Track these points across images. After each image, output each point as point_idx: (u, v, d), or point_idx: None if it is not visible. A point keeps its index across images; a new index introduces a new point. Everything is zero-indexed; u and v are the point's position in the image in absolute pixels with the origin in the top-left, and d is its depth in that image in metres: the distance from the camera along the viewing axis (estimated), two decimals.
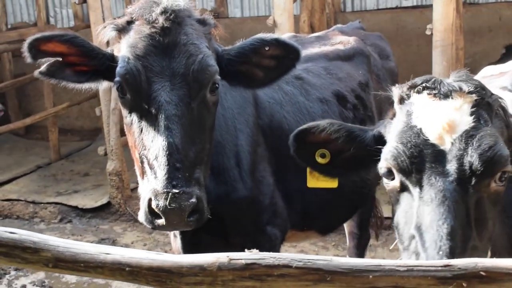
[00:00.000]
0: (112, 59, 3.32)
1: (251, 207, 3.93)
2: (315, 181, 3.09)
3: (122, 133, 8.47)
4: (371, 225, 6.11)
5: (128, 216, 8.51)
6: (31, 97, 13.64)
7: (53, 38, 3.29)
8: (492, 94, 2.62)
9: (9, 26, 13.11)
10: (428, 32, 7.09)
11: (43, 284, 6.95)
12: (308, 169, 3.08)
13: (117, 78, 3.17)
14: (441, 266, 1.82)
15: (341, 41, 5.27)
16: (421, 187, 2.44)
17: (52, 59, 3.33)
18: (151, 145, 3.06)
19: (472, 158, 2.37)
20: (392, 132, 2.64)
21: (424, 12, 10.15)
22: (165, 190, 2.87)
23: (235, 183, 3.80)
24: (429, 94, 2.57)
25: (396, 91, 2.72)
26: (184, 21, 3.27)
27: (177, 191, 2.87)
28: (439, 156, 2.43)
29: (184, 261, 2.01)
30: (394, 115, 2.72)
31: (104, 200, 8.80)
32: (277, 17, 7.57)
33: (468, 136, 2.42)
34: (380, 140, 2.77)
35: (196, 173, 3.06)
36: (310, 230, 4.68)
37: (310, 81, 4.57)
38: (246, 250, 2.00)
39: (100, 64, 3.36)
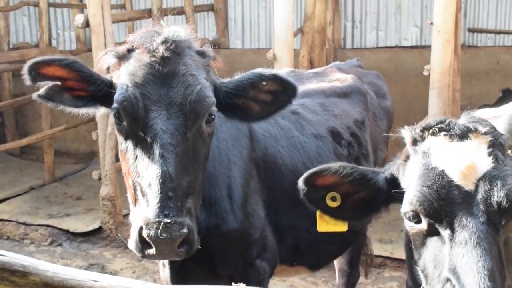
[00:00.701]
0: (110, 86, 3.36)
1: (241, 239, 3.93)
2: (325, 225, 3.03)
3: (117, 158, 8.43)
4: (361, 262, 6.10)
5: (118, 242, 8.47)
6: (28, 118, 13.68)
7: (53, 62, 3.33)
8: (502, 134, 2.64)
9: (11, 46, 13.18)
10: (425, 73, 7.15)
11: None
12: (318, 213, 3.01)
13: (114, 105, 3.19)
14: None
15: (338, 78, 5.32)
16: (452, 229, 2.42)
17: (51, 83, 3.37)
18: (144, 173, 3.07)
19: (500, 198, 2.39)
20: (410, 174, 2.64)
21: (422, 52, 10.25)
22: (157, 219, 2.87)
23: (226, 215, 3.81)
24: (445, 135, 2.58)
25: (407, 133, 2.73)
26: (184, 51, 3.31)
27: (168, 220, 2.87)
28: (466, 197, 2.43)
29: None
30: (407, 157, 2.72)
31: (95, 225, 8.76)
32: (277, 51, 7.63)
33: (491, 177, 2.44)
34: (393, 183, 2.78)
35: (188, 203, 3.07)
36: (300, 265, 4.67)
37: (305, 117, 4.60)
38: (233, 283, 2.01)
39: (98, 90, 3.39)
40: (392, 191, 2.79)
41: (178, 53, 3.27)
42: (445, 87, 6.98)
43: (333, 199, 2.86)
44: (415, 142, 2.68)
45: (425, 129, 2.67)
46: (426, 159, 2.57)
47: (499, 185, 2.42)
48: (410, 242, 2.76)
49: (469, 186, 2.44)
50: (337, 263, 5.87)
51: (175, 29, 3.40)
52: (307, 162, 4.37)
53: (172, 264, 3.80)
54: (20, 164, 12.43)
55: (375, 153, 5.27)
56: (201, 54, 3.44)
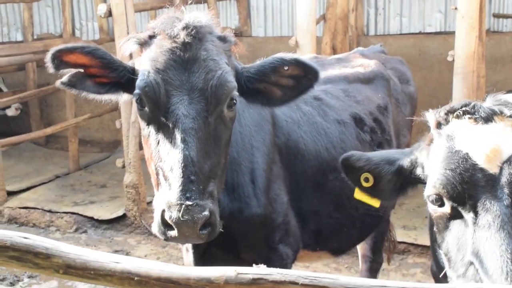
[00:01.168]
0: (132, 72, 3.37)
1: (264, 224, 3.94)
2: (361, 195, 3.13)
3: (140, 146, 8.51)
4: (384, 248, 6.09)
5: (142, 229, 8.55)
6: (53, 107, 13.81)
7: (75, 49, 3.35)
8: None
9: (35, 37, 13.28)
10: (449, 59, 7.08)
11: None
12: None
13: (136, 91, 3.21)
14: None
15: (361, 64, 5.30)
16: (475, 213, 2.41)
17: (74, 70, 3.40)
18: (167, 157, 3.09)
19: None
20: (434, 157, 2.63)
21: (447, 38, 10.15)
22: (179, 202, 2.89)
23: (249, 200, 3.82)
24: (470, 118, 2.56)
25: (432, 116, 2.72)
26: (205, 37, 3.31)
27: (190, 203, 2.89)
28: (490, 181, 2.42)
29: (191, 273, 2.03)
30: (431, 140, 2.71)
31: (120, 212, 8.85)
32: (300, 38, 7.61)
33: None
34: (415, 166, 2.81)
35: (210, 187, 3.08)
36: (323, 250, 4.67)
37: (328, 103, 4.59)
38: (254, 265, 2.02)
39: (120, 77, 3.41)
40: (416, 174, 2.82)
41: (199, 38, 3.27)
42: (470, 73, 6.91)
43: (366, 180, 2.98)
44: (439, 125, 2.67)
45: (450, 112, 2.65)
46: (450, 142, 2.56)
47: None
48: (433, 226, 2.75)
49: (493, 169, 2.42)
50: (360, 249, 5.86)
51: (196, 14, 3.40)
52: (329, 147, 4.37)
53: (195, 249, 3.83)
54: (45, 153, 12.57)
55: (398, 139, 5.24)
56: (222, 39, 3.44)
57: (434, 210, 2.59)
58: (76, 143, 11.10)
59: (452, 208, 2.50)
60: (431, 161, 2.67)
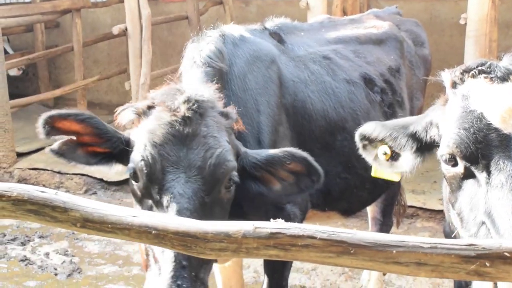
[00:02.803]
0: (127, 144, 3.23)
1: None
2: (380, 170, 3.16)
3: None
4: (394, 212, 6.11)
5: None
6: (61, 69, 13.79)
7: (68, 116, 3.22)
8: None
9: None
10: (462, 22, 7.03)
11: (66, 253, 7.07)
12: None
13: (131, 164, 3.08)
14: (466, 245, 1.82)
15: (374, 25, 5.25)
16: (488, 172, 2.39)
17: (66, 137, 3.27)
18: None
19: None
20: (450, 117, 2.60)
21: (458, 2, 10.03)
22: None
23: None
24: (485, 77, 2.53)
25: (447, 76, 2.68)
26: (206, 112, 3.17)
27: None
28: (504, 140, 2.40)
29: (209, 227, 2.03)
30: (446, 100, 2.68)
31: None
32: (310, 0, 7.54)
33: None
34: (430, 127, 2.78)
35: (201, 273, 2.93)
36: (332, 211, 4.68)
37: (337, 62, 4.55)
38: (271, 219, 2.02)
39: (113, 147, 3.27)
40: (431, 136, 2.79)
41: (200, 113, 3.13)
42: (482, 36, 6.86)
43: (384, 153, 2.94)
44: (454, 84, 2.64)
45: (465, 71, 2.62)
46: (465, 101, 2.53)
47: None
48: (447, 186, 2.74)
49: (508, 129, 2.40)
50: (370, 211, 5.88)
51: (198, 87, 3.31)
52: (338, 107, 4.34)
53: None
54: None
55: (411, 101, 5.22)
56: (225, 115, 3.31)
57: (448, 170, 2.57)
58: (84, 105, 11.10)
59: (465, 168, 2.49)
60: (446, 121, 2.64)
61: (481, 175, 2.43)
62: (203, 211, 2.97)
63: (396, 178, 3.09)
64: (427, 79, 5.73)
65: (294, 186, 3.39)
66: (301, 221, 4.23)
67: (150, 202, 3.04)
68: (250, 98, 3.82)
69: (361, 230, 4.53)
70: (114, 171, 3.43)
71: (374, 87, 4.68)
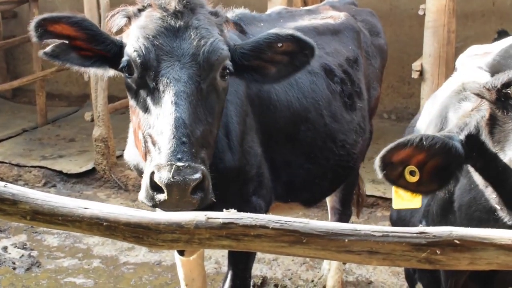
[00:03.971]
0: (120, 46, 3.27)
1: (238, 177, 3.93)
2: (401, 201, 2.88)
3: (109, 99, 8.44)
4: (353, 202, 6.15)
5: (112, 183, 8.50)
6: (19, 60, 13.53)
7: (61, 19, 3.22)
8: None
9: None
10: (420, 12, 7.07)
11: (25, 246, 6.95)
12: (394, 190, 2.85)
13: (125, 57, 3.14)
14: (416, 233, 1.83)
15: (331, 15, 5.25)
16: None
17: (58, 41, 3.26)
18: (156, 122, 2.99)
19: None
20: (505, 134, 2.48)
21: None
22: (170, 162, 2.75)
23: (223, 154, 3.79)
24: None
25: (485, 91, 2.54)
26: (196, 8, 3.25)
27: (182, 164, 2.74)
28: None
29: (161, 218, 2.02)
30: (491, 115, 2.55)
31: (89, 166, 8.78)
32: None
33: None
34: (472, 145, 2.60)
35: (202, 153, 2.98)
36: (294, 202, 4.70)
37: None
38: (224, 210, 2.01)
39: (107, 50, 3.29)
40: (471, 153, 2.61)
41: (191, 8, 3.21)
42: (440, 26, 6.91)
43: (412, 173, 2.61)
44: (498, 99, 2.49)
45: (505, 86, 2.48)
46: None
47: None
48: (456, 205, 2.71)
49: None
50: (329, 201, 5.91)
51: None
52: (301, 97, 4.35)
53: None
54: (12, 107, 12.35)
55: (369, 91, 5.25)
56: (214, 14, 3.39)
57: None
58: (43, 96, 10.92)
59: None
60: (503, 140, 2.51)
61: None
62: (199, 96, 3.05)
63: (417, 205, 2.91)
64: (383, 69, 5.78)
65: (289, 65, 3.48)
66: (265, 213, 4.24)
67: (146, 92, 3.11)
68: None
69: (321, 220, 4.54)
70: (109, 75, 3.45)
71: (334, 78, 4.69)
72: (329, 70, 4.65)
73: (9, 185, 2.18)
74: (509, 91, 2.48)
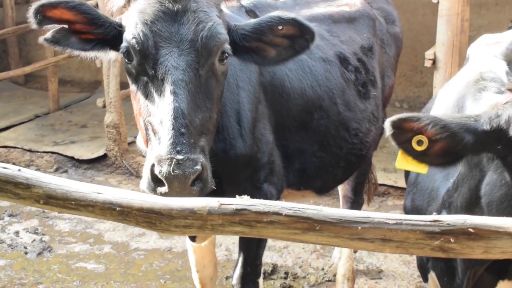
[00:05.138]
0: (119, 28, 3.27)
1: (249, 164, 3.93)
2: (405, 163, 2.83)
3: (121, 86, 8.43)
4: (365, 190, 6.14)
5: (123, 169, 8.52)
6: (32, 46, 13.56)
7: (59, 4, 3.21)
8: None
9: None
10: (434, 1, 7.01)
11: (36, 231, 6.99)
12: (400, 151, 2.81)
13: (124, 44, 3.13)
14: (430, 221, 1.82)
15: (347, 3, 5.22)
16: None
17: (58, 26, 3.26)
18: (156, 111, 3.01)
19: None
20: None
21: None
22: (169, 156, 2.79)
23: (234, 141, 3.79)
24: None
25: None
26: None
27: (181, 157, 2.78)
28: None
29: (174, 203, 2.01)
30: None
31: (100, 152, 8.81)
32: None
33: None
34: (498, 136, 2.56)
35: (201, 141, 3.00)
36: (307, 189, 4.69)
37: None
38: (237, 196, 2.01)
39: (106, 33, 3.30)
40: (495, 144, 2.58)
41: None
42: (454, 15, 6.86)
43: (420, 143, 2.67)
44: None
45: None
46: None
47: None
48: (478, 195, 2.67)
49: None
50: (341, 190, 5.90)
51: None
52: (315, 85, 4.34)
53: None
54: (25, 92, 12.40)
55: (383, 80, 5.22)
56: None
57: None
58: (56, 82, 10.94)
59: None
60: None
61: None
62: (198, 82, 3.06)
63: (423, 171, 2.92)
64: (398, 57, 5.74)
65: (289, 49, 3.47)
66: (277, 200, 4.23)
67: (145, 78, 3.11)
68: (231, 73, 3.81)
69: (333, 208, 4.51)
70: (111, 57, 3.48)
71: (348, 66, 4.67)
72: (343, 59, 4.63)
73: (23, 169, 2.19)
74: None
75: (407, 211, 3.76)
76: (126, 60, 3.17)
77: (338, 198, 6.24)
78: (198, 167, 2.82)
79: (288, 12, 3.45)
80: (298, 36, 3.42)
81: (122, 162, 8.54)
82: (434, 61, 6.95)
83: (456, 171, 3.00)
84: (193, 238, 4.37)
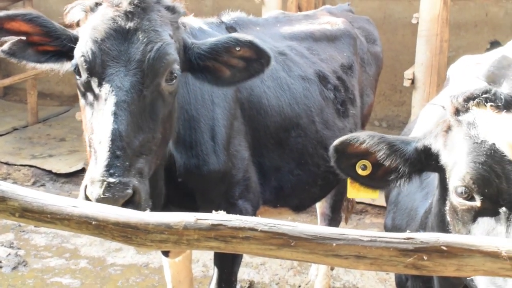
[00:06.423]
0: (75, 41, 3.26)
1: (223, 180, 3.93)
2: (356, 191, 2.90)
3: None
4: (343, 208, 6.16)
5: None
6: None
7: (16, 16, 3.24)
8: None
9: None
10: (414, 21, 7.12)
11: (12, 245, 6.92)
12: (348, 180, 2.87)
13: (74, 60, 3.14)
14: (404, 239, 1.84)
15: (328, 21, 5.28)
16: (510, 207, 2.30)
17: (16, 38, 3.28)
18: (97, 130, 3.00)
19: None
20: (456, 147, 2.50)
21: (412, 2, 10.17)
22: (101, 178, 2.80)
23: (207, 157, 3.80)
24: (492, 106, 2.42)
25: (448, 102, 2.57)
26: (150, 7, 3.23)
27: (113, 180, 2.80)
28: None
29: (151, 218, 2.01)
30: (448, 127, 2.58)
31: (79, 166, 8.76)
32: None
33: None
34: (427, 153, 2.65)
35: (139, 163, 3.00)
36: (284, 207, 4.71)
37: (293, 58, 4.57)
38: (213, 211, 2.01)
39: (63, 45, 3.31)
40: (426, 161, 2.67)
41: (143, 8, 3.19)
42: (433, 36, 6.96)
43: (363, 167, 2.72)
44: (457, 112, 2.52)
45: (469, 98, 2.49)
46: (472, 131, 2.42)
47: None
48: (444, 214, 2.66)
49: None
50: (319, 207, 5.92)
51: None
52: (293, 103, 4.36)
53: (152, 209, 3.80)
54: (3, 105, 12.33)
55: (362, 98, 5.27)
56: (171, 9, 3.36)
57: (461, 203, 2.45)
58: (35, 95, 10.89)
59: (483, 202, 2.37)
60: (451, 150, 2.54)
61: (500, 210, 2.33)
62: (142, 103, 3.05)
63: (375, 196, 2.96)
64: (378, 76, 5.80)
65: (244, 71, 3.47)
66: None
67: (91, 96, 3.11)
68: (207, 89, 3.82)
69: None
70: (67, 69, 3.43)
71: (327, 84, 4.71)
72: (323, 77, 4.67)
73: None
74: (466, 105, 2.50)
75: (387, 229, 3.77)
76: (76, 76, 3.16)
77: (316, 215, 6.26)
78: (129, 191, 2.83)
79: (246, 35, 3.45)
80: (255, 59, 3.42)
81: None
82: (413, 81, 7.04)
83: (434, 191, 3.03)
84: (166, 253, 4.36)
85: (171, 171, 3.68)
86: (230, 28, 4.44)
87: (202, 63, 3.42)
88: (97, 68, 3.04)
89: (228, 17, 4.56)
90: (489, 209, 2.38)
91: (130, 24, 3.11)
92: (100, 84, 3.03)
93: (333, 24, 5.24)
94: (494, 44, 9.54)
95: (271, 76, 4.29)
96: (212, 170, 3.82)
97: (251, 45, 3.39)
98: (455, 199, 2.48)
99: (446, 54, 7.38)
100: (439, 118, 2.72)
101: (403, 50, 10.33)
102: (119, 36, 3.09)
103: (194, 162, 3.76)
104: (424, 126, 3.54)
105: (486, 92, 2.49)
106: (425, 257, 1.81)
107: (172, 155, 3.67)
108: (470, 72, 3.78)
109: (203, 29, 4.11)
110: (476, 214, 2.43)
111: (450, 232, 2.63)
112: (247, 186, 4.13)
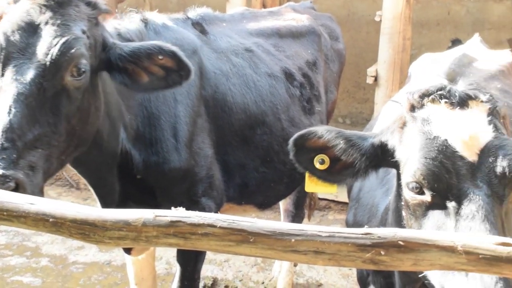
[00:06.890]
0: None
1: (185, 178, 3.92)
2: (314, 185, 2.97)
3: None
4: (305, 205, 6.19)
5: (63, 181, 8.38)
6: None
7: None
8: (497, 101, 2.57)
9: None
10: (377, 19, 7.17)
11: None
12: (306, 174, 2.91)
13: None
14: (362, 234, 1.85)
15: (293, 18, 5.30)
16: (458, 202, 2.35)
17: None
18: None
19: (503, 169, 2.34)
20: (409, 143, 2.55)
21: (376, 0, 10.24)
22: None
23: (168, 155, 3.78)
24: (446, 103, 2.49)
25: (405, 98, 2.62)
26: (67, 1, 3.19)
27: None
28: (470, 169, 2.36)
29: (109, 215, 1.99)
30: (404, 124, 2.63)
31: None
32: None
33: (493, 147, 2.38)
34: (384, 149, 2.70)
35: (31, 157, 2.92)
36: (248, 204, 4.71)
37: (259, 55, 4.57)
38: (172, 208, 2.00)
39: None
40: (382, 157, 2.72)
41: (60, 2, 3.15)
42: (396, 33, 7.02)
43: (321, 161, 2.78)
44: (413, 108, 2.58)
45: (424, 95, 2.56)
46: (426, 127, 2.49)
47: (501, 156, 2.37)
48: (400, 209, 2.71)
49: (472, 156, 2.38)
50: (282, 204, 5.94)
51: None
52: (259, 101, 4.36)
53: (109, 204, 3.76)
54: None
55: (326, 95, 5.29)
56: (91, 5, 3.31)
57: (413, 198, 2.50)
58: None
59: (433, 196, 2.44)
60: (405, 146, 2.59)
61: (449, 205, 2.38)
62: (41, 97, 2.99)
63: (333, 190, 3.00)
64: (341, 73, 5.84)
65: (162, 80, 3.40)
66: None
67: None
68: None
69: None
70: None
71: (293, 82, 4.72)
72: (289, 74, 4.68)
73: None
74: (422, 101, 2.56)
75: (349, 226, 3.80)
76: None
77: (279, 212, 6.27)
78: (12, 184, 2.75)
79: (170, 45, 3.38)
80: (175, 70, 3.37)
81: (63, 173, 8.39)
82: (376, 78, 7.09)
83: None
84: (128, 251, 4.33)
85: (128, 168, 3.65)
86: (197, 24, 4.41)
87: (122, 64, 3.36)
88: (3, 60, 3.02)
89: (194, 13, 4.54)
90: (439, 204, 2.43)
91: (42, 18, 3.08)
92: (2, 75, 3.01)
93: (298, 21, 5.26)
94: (456, 42, 9.65)
95: (237, 73, 4.29)
96: (173, 168, 3.80)
97: (173, 55, 3.33)
98: (407, 194, 2.53)
99: (409, 52, 7.45)
100: (398, 115, 2.75)
101: (367, 48, 10.40)
102: (30, 28, 3.07)
103: (154, 160, 3.74)
104: (384, 123, 3.58)
105: (441, 89, 2.55)
106: (382, 252, 1.82)
107: (128, 152, 3.63)
108: (431, 69, 3.84)
109: (167, 25, 4.08)
110: (427, 208, 2.48)
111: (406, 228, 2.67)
112: (211, 184, 4.12)
